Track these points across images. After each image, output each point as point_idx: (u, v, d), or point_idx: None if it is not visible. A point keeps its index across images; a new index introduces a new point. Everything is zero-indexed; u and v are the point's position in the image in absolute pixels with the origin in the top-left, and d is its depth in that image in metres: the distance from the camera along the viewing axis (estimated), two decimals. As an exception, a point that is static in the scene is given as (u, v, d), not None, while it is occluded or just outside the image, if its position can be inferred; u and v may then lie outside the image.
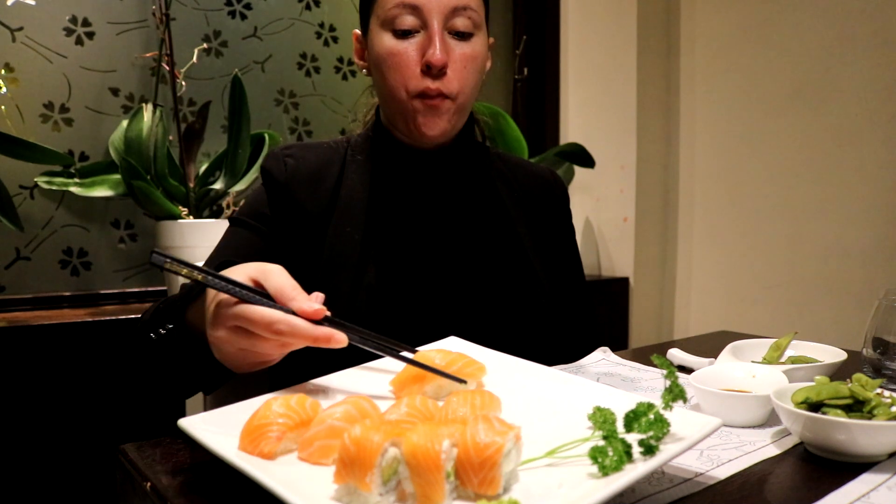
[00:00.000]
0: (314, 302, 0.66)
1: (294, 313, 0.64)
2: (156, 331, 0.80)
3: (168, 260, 0.64)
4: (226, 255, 0.95)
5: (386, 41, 0.93)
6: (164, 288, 1.90)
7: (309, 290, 0.92)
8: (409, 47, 0.92)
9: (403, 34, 0.92)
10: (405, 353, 0.71)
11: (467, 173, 1.05)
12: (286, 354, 0.69)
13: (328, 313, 0.66)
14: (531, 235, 1.07)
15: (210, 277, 0.65)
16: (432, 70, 0.91)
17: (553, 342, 1.06)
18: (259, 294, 0.66)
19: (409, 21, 0.92)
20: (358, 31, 1.03)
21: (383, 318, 0.94)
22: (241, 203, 1.14)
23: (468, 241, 1.01)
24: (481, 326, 0.95)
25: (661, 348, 1.06)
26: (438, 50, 0.90)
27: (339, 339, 0.64)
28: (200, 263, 0.90)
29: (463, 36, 0.94)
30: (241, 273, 0.68)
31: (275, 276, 0.67)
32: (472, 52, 0.95)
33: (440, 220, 1.01)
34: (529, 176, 1.13)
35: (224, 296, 0.66)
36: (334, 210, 0.99)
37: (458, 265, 1.00)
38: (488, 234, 1.03)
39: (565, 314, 1.11)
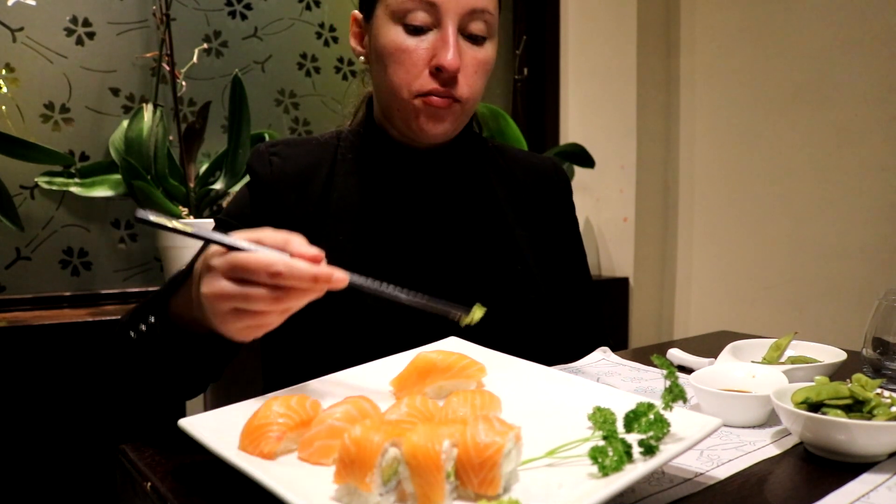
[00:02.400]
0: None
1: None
2: (136, 328, 0.76)
3: (154, 214, 0.60)
4: None
5: (394, 34, 0.88)
6: (165, 288, 1.90)
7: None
8: (420, 45, 0.87)
9: (415, 30, 0.87)
10: (404, 296, 0.69)
11: (463, 173, 1.02)
12: (284, 322, 0.65)
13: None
14: (529, 234, 1.05)
15: (198, 230, 0.62)
16: (443, 74, 0.87)
17: (554, 339, 1.05)
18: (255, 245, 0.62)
19: (421, 17, 0.86)
20: (358, 14, 0.97)
21: (379, 324, 0.92)
22: (228, 200, 1.12)
23: (463, 244, 0.99)
24: (478, 329, 0.93)
25: (661, 348, 1.06)
26: (451, 54, 0.85)
27: (340, 276, 0.62)
28: None
29: (476, 40, 0.89)
30: (240, 234, 0.64)
31: (270, 231, 0.64)
32: (485, 57, 0.91)
33: (434, 223, 0.99)
34: (529, 169, 1.10)
35: (215, 248, 0.62)
36: (324, 215, 0.95)
37: (453, 268, 0.98)
38: (483, 236, 1.01)
39: (568, 309, 1.10)
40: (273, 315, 0.63)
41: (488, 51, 0.92)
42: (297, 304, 0.62)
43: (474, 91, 0.91)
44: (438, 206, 1.00)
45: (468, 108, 0.93)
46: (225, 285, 0.61)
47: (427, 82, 0.88)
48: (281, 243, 0.62)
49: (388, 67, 0.90)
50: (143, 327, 0.75)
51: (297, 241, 0.62)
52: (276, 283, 0.60)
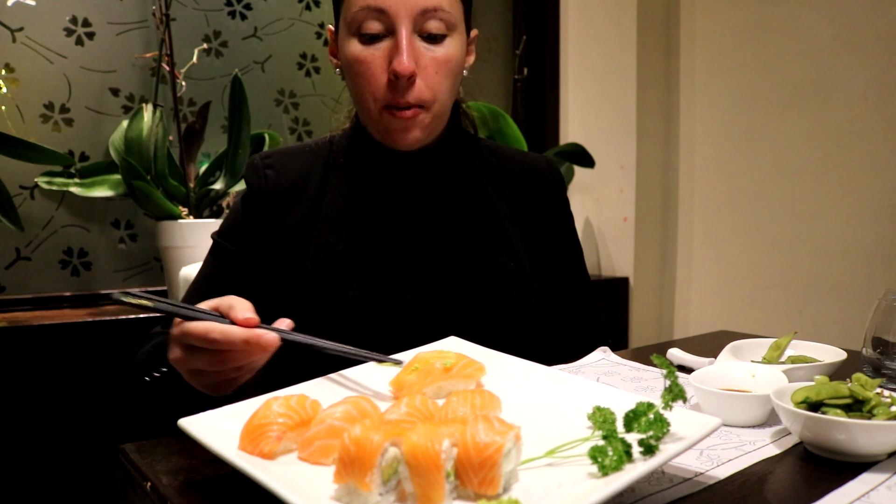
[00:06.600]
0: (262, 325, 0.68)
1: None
2: (150, 374, 0.82)
3: (127, 295, 0.67)
4: (201, 294, 0.95)
5: (352, 47, 0.89)
6: (164, 288, 1.90)
7: (295, 303, 0.95)
8: (376, 54, 0.87)
9: (371, 39, 0.87)
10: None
11: (453, 174, 1.02)
12: (242, 380, 0.72)
13: (285, 323, 0.71)
14: (523, 233, 1.04)
15: (160, 303, 0.68)
16: (399, 80, 0.86)
17: (552, 338, 1.05)
18: (210, 315, 0.69)
19: (375, 26, 0.86)
20: (332, 28, 0.98)
21: (371, 329, 0.92)
22: (228, 200, 1.13)
23: (455, 246, 0.99)
24: (472, 332, 0.93)
25: (661, 348, 1.06)
26: (405, 58, 0.85)
27: (269, 339, 0.66)
28: (198, 264, 0.96)
29: (435, 39, 0.88)
30: (206, 303, 0.72)
31: (229, 298, 0.70)
32: (445, 55, 0.89)
33: (425, 226, 0.99)
34: (522, 168, 1.09)
35: (176, 320, 0.69)
36: (316, 219, 0.96)
37: (445, 271, 0.97)
38: (476, 237, 1.01)
39: (566, 308, 1.09)
40: (228, 373, 0.70)
41: (449, 48, 0.89)
42: (241, 359, 0.68)
43: (437, 92, 0.89)
44: (429, 208, 1.00)
45: (437, 111, 0.91)
46: (177, 352, 0.70)
47: (387, 93, 0.88)
48: (226, 309, 0.69)
49: (353, 80, 0.91)
50: (157, 374, 0.81)
51: (240, 307, 0.69)
52: (215, 348, 0.67)
